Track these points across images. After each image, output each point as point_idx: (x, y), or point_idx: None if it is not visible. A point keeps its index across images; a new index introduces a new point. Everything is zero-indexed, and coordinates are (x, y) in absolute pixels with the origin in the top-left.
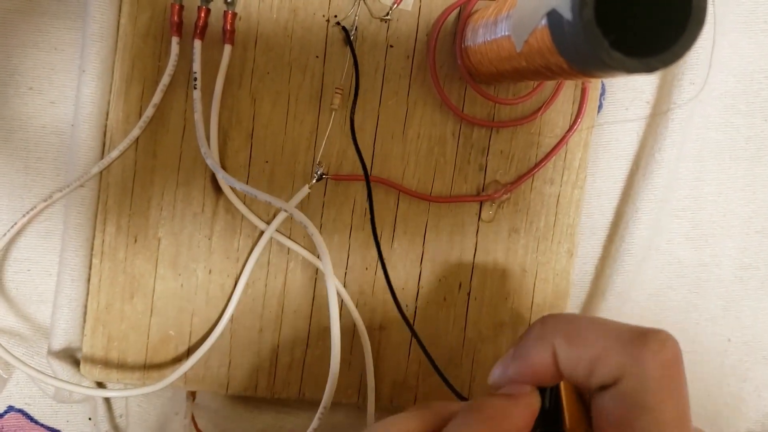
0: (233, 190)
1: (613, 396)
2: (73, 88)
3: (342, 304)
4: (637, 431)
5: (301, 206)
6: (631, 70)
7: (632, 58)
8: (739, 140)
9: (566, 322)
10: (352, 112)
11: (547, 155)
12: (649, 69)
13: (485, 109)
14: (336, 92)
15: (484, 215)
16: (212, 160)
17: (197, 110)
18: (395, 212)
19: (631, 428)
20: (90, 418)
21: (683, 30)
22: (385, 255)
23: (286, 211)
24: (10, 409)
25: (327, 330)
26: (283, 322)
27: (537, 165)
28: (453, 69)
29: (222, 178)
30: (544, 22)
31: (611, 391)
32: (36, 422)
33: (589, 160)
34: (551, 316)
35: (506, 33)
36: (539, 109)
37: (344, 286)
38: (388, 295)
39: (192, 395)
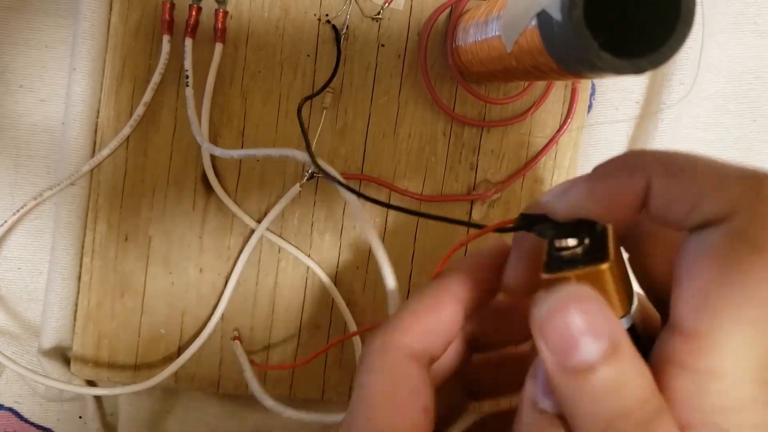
0: (224, 189)
1: (717, 233)
2: (64, 86)
3: (333, 303)
4: (745, 272)
5: (292, 205)
6: (620, 71)
7: (621, 59)
8: (728, 140)
9: (666, 155)
10: (303, 101)
11: (538, 155)
12: (638, 70)
13: (476, 109)
14: (327, 91)
15: (475, 214)
16: (208, 144)
17: (190, 107)
18: (386, 211)
19: (738, 267)
20: (80, 417)
21: (672, 31)
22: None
23: (288, 155)
24: (0, 407)
25: (319, 328)
26: (274, 321)
27: (527, 164)
28: (444, 68)
29: (219, 153)
30: (534, 22)
31: (715, 229)
32: (26, 421)
33: (579, 159)
34: (644, 150)
35: (497, 33)
36: (530, 108)
37: (335, 285)
38: (380, 294)
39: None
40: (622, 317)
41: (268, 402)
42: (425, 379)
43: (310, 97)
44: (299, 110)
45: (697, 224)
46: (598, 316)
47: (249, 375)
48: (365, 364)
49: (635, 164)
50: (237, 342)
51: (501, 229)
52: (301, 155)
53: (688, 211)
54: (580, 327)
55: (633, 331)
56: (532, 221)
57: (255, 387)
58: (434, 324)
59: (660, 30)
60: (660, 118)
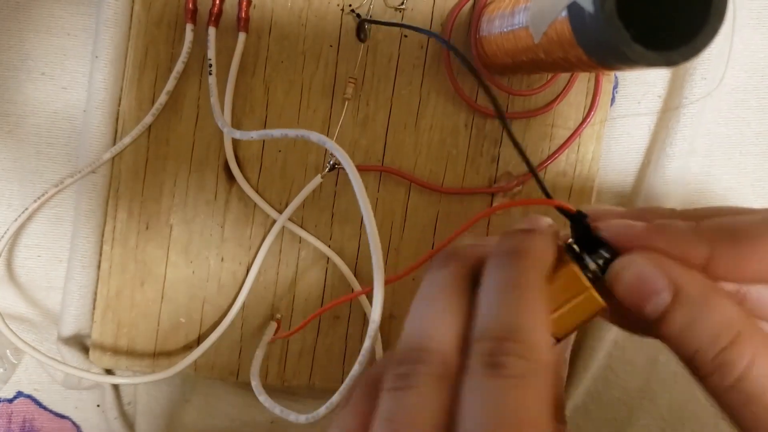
0: (246, 179)
1: None
2: (86, 74)
3: (352, 292)
4: None
5: (313, 196)
6: (651, 63)
7: (653, 51)
8: (749, 135)
9: (730, 225)
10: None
11: (560, 147)
12: (670, 62)
13: (498, 101)
14: (349, 82)
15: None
16: (229, 128)
17: (213, 95)
18: (406, 203)
19: None
20: (98, 405)
21: (704, 24)
22: (395, 245)
23: (303, 136)
24: (20, 394)
25: (338, 318)
26: (294, 311)
27: (550, 157)
28: (467, 59)
29: (238, 136)
30: (564, 13)
31: None
32: (45, 408)
33: (601, 153)
34: (708, 218)
35: (524, 24)
36: (553, 101)
37: (355, 276)
38: (399, 285)
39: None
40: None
41: (261, 396)
42: None
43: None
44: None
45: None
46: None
47: (257, 361)
48: (409, 395)
49: (700, 234)
50: (273, 323)
51: (563, 210)
52: (317, 137)
53: (755, 279)
54: None
55: None
56: (587, 231)
57: (255, 371)
58: (460, 328)
59: (691, 23)
60: (682, 113)
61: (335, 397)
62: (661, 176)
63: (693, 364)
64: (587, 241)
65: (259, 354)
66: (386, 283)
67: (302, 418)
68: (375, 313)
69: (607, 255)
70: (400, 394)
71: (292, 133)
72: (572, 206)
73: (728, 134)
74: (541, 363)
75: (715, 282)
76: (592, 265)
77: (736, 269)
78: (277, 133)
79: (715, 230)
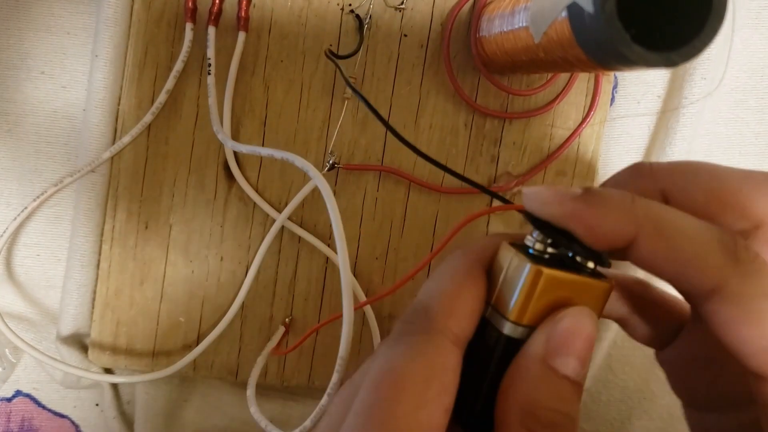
0: (245, 178)
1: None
2: (86, 72)
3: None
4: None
5: (313, 195)
6: (651, 64)
7: (653, 52)
8: (748, 136)
9: (656, 212)
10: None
11: (560, 147)
12: (669, 63)
13: (498, 100)
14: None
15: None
16: (223, 135)
17: (211, 95)
18: (405, 202)
19: None
20: (97, 404)
21: (703, 24)
22: (394, 245)
23: (288, 159)
24: (18, 393)
25: (338, 318)
26: (294, 310)
27: (550, 157)
28: (467, 59)
29: (231, 147)
30: (564, 14)
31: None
32: (43, 407)
33: (600, 152)
34: (638, 199)
35: (524, 24)
36: (553, 100)
37: (354, 276)
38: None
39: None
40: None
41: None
42: (458, 373)
43: (339, 57)
44: (328, 55)
45: (685, 292)
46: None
47: (257, 369)
48: (403, 343)
49: (629, 212)
50: (282, 328)
51: (524, 212)
52: (300, 162)
53: (673, 278)
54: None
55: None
56: (552, 229)
57: (253, 381)
58: (475, 304)
59: (690, 23)
60: (682, 113)
61: (308, 422)
62: None
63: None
64: (547, 233)
65: (260, 361)
66: (356, 308)
67: None
68: (342, 349)
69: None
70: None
71: (278, 154)
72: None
73: (728, 134)
74: (436, 334)
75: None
76: (538, 246)
77: (660, 262)
78: (264, 152)
79: (644, 215)
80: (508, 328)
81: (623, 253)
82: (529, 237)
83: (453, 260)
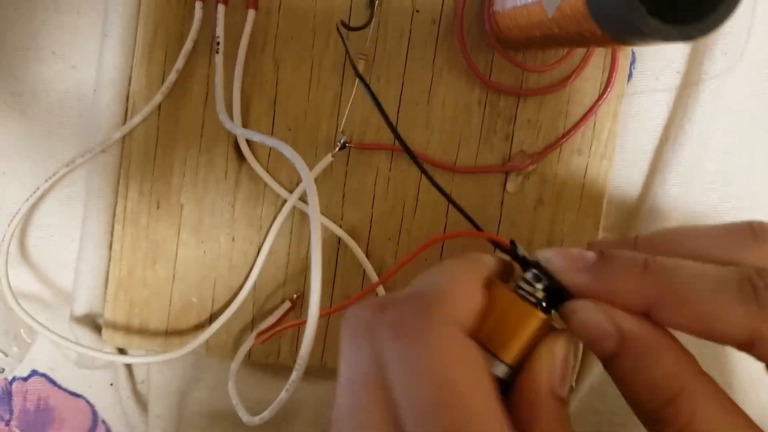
0: (256, 158)
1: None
2: (96, 52)
3: (364, 274)
4: None
5: (324, 175)
6: (668, 38)
7: (670, 25)
8: None
9: (667, 281)
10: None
11: (576, 125)
12: (687, 37)
13: (513, 77)
14: (360, 58)
15: (509, 186)
16: (224, 115)
17: (218, 74)
18: (418, 182)
19: None
20: (112, 384)
21: None
22: (407, 226)
23: (278, 148)
24: (34, 373)
25: (350, 299)
26: (306, 290)
27: (565, 135)
28: (480, 35)
29: (228, 127)
30: None
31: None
32: (59, 386)
33: (617, 130)
34: (648, 268)
35: None
36: (568, 77)
37: (367, 257)
38: (411, 265)
39: None
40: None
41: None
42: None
43: (350, 28)
44: (339, 27)
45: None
46: None
47: (246, 344)
48: (412, 342)
49: (642, 284)
50: (288, 303)
51: (496, 244)
52: (289, 152)
53: (700, 336)
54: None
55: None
56: (529, 263)
57: (240, 355)
58: (478, 295)
59: None
60: (701, 89)
61: (266, 413)
62: (680, 154)
63: (636, 410)
64: (526, 269)
65: (249, 339)
66: (322, 315)
67: (255, 419)
68: (304, 350)
69: (543, 279)
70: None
71: (269, 141)
72: (504, 238)
73: (749, 110)
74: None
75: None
76: (538, 293)
77: (672, 321)
78: (257, 137)
79: (656, 285)
80: (501, 371)
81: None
82: (525, 281)
83: (457, 263)
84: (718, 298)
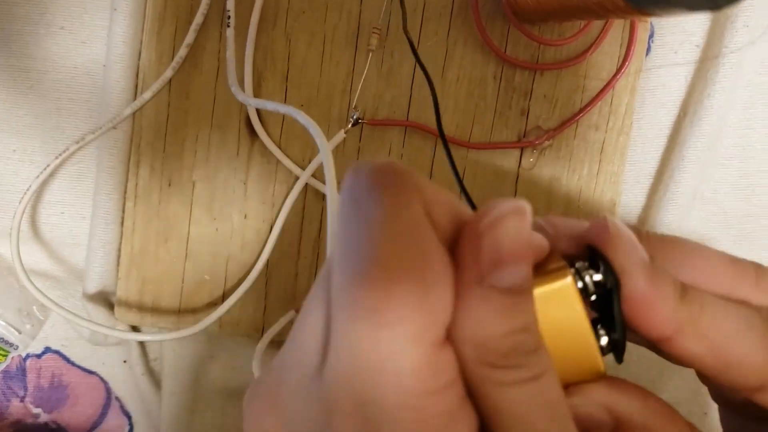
0: (268, 134)
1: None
2: (105, 27)
3: None
4: None
5: (336, 152)
6: (693, 7)
7: None
8: None
9: (695, 315)
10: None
11: (593, 100)
12: (713, 6)
13: (529, 51)
14: (373, 32)
15: (524, 162)
16: (237, 87)
17: (230, 48)
18: (432, 159)
19: None
20: (125, 361)
21: None
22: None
23: (291, 114)
24: (48, 350)
25: None
26: (319, 268)
27: (582, 110)
28: (496, 7)
29: (241, 99)
30: None
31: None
32: (72, 363)
33: (635, 105)
34: (674, 298)
35: None
36: (586, 51)
37: None
38: None
39: None
40: None
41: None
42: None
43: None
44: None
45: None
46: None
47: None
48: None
49: (672, 312)
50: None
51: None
52: (303, 118)
53: (711, 375)
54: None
55: None
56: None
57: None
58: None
59: None
60: (721, 63)
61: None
62: (698, 129)
63: None
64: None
65: (282, 321)
66: None
67: None
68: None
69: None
70: None
71: (282, 108)
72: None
73: None
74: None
75: None
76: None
77: (689, 362)
78: (270, 105)
79: (686, 317)
80: None
81: (651, 342)
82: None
83: None
84: (745, 342)
